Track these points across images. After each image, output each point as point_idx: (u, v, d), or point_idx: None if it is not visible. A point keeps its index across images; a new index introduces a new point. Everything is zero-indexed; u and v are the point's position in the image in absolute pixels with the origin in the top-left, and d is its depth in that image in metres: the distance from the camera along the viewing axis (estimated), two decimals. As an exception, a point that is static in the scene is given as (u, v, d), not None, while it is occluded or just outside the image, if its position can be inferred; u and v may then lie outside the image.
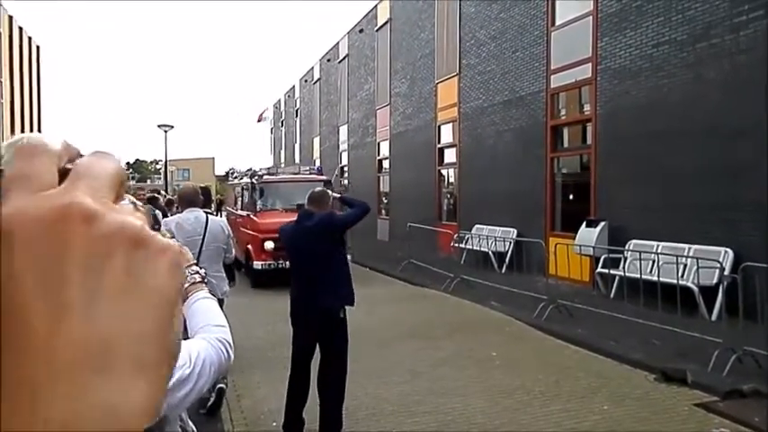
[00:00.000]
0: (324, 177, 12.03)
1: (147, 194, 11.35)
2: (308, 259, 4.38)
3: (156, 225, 8.16)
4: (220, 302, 5.28)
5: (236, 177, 14.60)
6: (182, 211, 5.19)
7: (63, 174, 0.35)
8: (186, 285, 1.53)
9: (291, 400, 4.38)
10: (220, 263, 5.19)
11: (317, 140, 28.22)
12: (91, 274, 0.30)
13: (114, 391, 0.29)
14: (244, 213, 12.18)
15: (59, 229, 0.30)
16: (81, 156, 0.38)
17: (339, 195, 5.15)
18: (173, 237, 4.87)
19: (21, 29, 30.76)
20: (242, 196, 12.62)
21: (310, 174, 12.50)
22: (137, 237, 0.32)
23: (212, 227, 5.02)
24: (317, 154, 28.25)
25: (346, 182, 13.61)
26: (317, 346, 4.41)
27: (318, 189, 4.86)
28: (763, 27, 7.09)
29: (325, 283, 4.30)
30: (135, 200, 0.37)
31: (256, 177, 11.76)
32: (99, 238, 0.30)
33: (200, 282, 1.57)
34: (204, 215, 5.13)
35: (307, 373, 4.41)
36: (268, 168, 13.08)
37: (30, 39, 32.76)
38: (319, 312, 4.30)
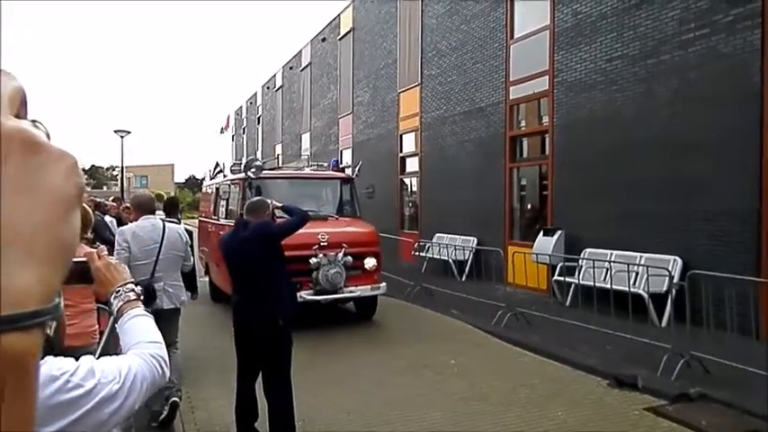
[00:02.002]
0: (343, 174, 9.72)
1: (88, 200, 9.46)
2: (245, 269, 4.34)
3: (106, 231, 7.96)
4: (177, 312, 5.19)
5: (219, 173, 10.77)
6: (137, 219, 5.07)
7: None
8: (120, 304, 1.50)
9: (241, 414, 4.31)
10: (178, 271, 5.09)
11: (279, 147, 28.00)
12: None
13: (7, 275, 0.32)
14: (229, 222, 8.60)
15: None
16: None
17: (280, 204, 5.11)
18: (128, 246, 4.77)
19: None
20: (227, 200, 9.21)
21: (326, 170, 9.86)
22: (32, 142, 0.36)
23: (170, 234, 4.93)
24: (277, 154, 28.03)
25: (371, 189, 11.09)
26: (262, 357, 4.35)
27: (256, 198, 4.87)
28: (710, 44, 7.41)
29: (264, 293, 4.26)
30: (38, 121, 0.40)
31: (253, 171, 8.34)
32: None
33: (135, 299, 1.54)
34: (161, 222, 5.02)
35: (252, 386, 4.35)
36: (260, 161, 9.13)
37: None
38: (260, 323, 4.25)
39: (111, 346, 4.33)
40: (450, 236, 12.78)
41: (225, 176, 10.11)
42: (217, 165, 11.13)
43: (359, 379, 5.91)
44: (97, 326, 3.82)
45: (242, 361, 4.40)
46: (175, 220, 7.34)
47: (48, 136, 0.39)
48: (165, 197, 9.75)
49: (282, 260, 4.47)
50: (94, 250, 1.57)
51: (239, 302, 4.42)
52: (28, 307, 0.33)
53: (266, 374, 4.31)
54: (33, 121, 0.39)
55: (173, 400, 4.93)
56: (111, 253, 5.72)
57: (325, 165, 10.30)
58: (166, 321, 4.95)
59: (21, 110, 0.39)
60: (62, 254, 0.36)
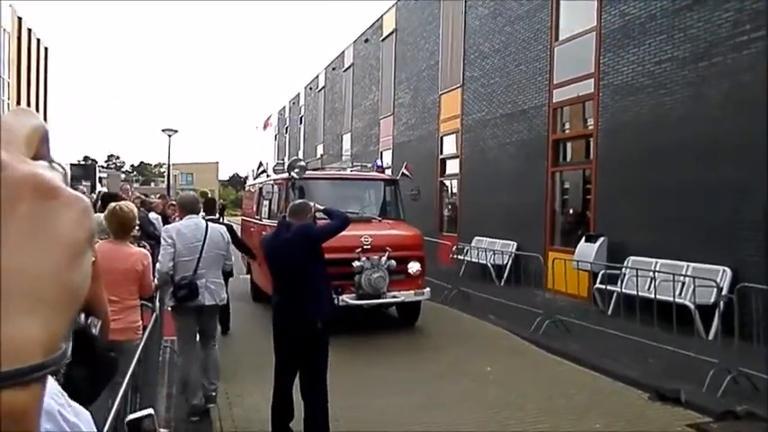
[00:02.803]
0: (387, 176, 9.78)
1: (135, 198, 9.30)
2: (286, 271, 4.41)
3: (150, 227, 8.19)
4: (218, 309, 5.33)
5: (262, 173, 10.78)
6: (182, 219, 5.24)
7: None
8: None
9: (276, 414, 4.38)
10: (220, 270, 5.24)
11: (320, 148, 28.29)
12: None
13: (9, 325, 0.32)
14: (272, 222, 8.41)
15: None
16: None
17: (323, 208, 5.15)
18: (173, 242, 4.94)
19: (30, 30, 31.02)
20: (270, 200, 9.05)
21: (369, 170, 9.84)
22: (45, 187, 0.36)
23: (212, 234, 5.08)
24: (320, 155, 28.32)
25: (416, 191, 10.48)
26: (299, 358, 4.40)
27: (299, 201, 4.93)
28: (764, 47, 7.11)
29: (304, 294, 4.31)
30: (54, 161, 0.41)
31: (297, 171, 8.34)
32: (6, 183, 0.34)
33: None
34: (204, 222, 5.18)
35: (289, 386, 4.41)
36: (303, 161, 9.13)
37: (38, 40, 33.02)
38: (299, 324, 4.30)
39: (155, 342, 4.47)
40: (489, 239, 12.65)
41: (268, 176, 10.15)
42: (260, 164, 11.18)
43: (394, 383, 5.91)
44: (140, 321, 3.96)
45: (280, 361, 4.47)
46: (214, 218, 7.59)
47: (65, 177, 0.39)
48: (209, 196, 10.03)
49: (323, 263, 4.52)
50: None
51: (279, 303, 4.49)
52: (31, 360, 0.32)
53: (303, 375, 4.36)
54: (51, 162, 0.39)
55: (209, 394, 5.08)
56: (155, 248, 5.98)
57: (369, 165, 10.18)
58: (208, 317, 5.11)
59: (41, 148, 0.39)
60: (70, 301, 0.35)
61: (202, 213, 7.21)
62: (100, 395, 1.91)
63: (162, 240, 5.03)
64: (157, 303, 4.47)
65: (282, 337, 4.44)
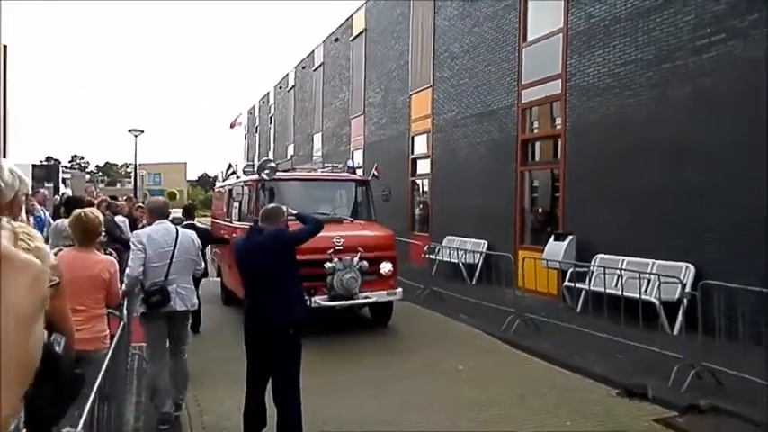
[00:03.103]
0: (358, 176, 9.85)
1: (101, 201, 9.04)
2: (258, 275, 4.38)
3: (117, 231, 8.03)
4: (189, 314, 5.24)
5: (231, 174, 10.74)
6: (151, 223, 5.15)
7: None
8: None
9: (249, 420, 4.34)
10: (191, 275, 5.18)
11: (290, 147, 28.08)
12: None
13: None
14: (243, 225, 8.50)
15: None
16: None
17: (295, 212, 5.12)
18: (144, 248, 4.85)
19: (-13, 27, 30.03)
20: (240, 201, 8.92)
21: (340, 171, 9.82)
22: None
23: (183, 239, 5.02)
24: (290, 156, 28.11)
25: (387, 192, 10.34)
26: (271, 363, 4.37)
27: (272, 205, 4.90)
28: (725, 51, 7.33)
29: (275, 299, 4.28)
30: (4, 219, 0.40)
31: (267, 172, 8.22)
32: None
33: None
34: (174, 227, 5.10)
35: (262, 392, 4.38)
36: (273, 162, 8.95)
37: (-4, 37, 31.95)
38: (270, 329, 4.27)
39: (123, 350, 4.37)
40: (460, 239, 12.75)
41: (237, 178, 10.03)
42: (230, 166, 11.10)
43: (367, 383, 5.92)
44: (108, 330, 3.87)
45: (251, 366, 4.43)
46: (191, 222, 7.77)
47: (14, 235, 0.38)
48: (177, 197, 10.26)
49: (296, 267, 4.50)
50: None
51: (250, 307, 4.45)
52: None
53: (275, 380, 4.33)
54: None
55: (178, 402, 5.01)
56: (122, 253, 5.86)
57: (340, 166, 10.13)
58: (179, 323, 5.03)
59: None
60: (22, 374, 0.35)
61: (181, 217, 7.22)
62: (65, 414, 1.86)
63: (132, 245, 4.94)
64: (125, 311, 4.37)
65: (254, 341, 4.40)
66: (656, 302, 7.34)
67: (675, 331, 7.12)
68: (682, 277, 6.94)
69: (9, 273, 0.33)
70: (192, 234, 5.25)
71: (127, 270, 4.71)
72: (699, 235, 7.64)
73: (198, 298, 5.51)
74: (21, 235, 1.00)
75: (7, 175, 1.84)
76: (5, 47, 33.82)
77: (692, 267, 7.50)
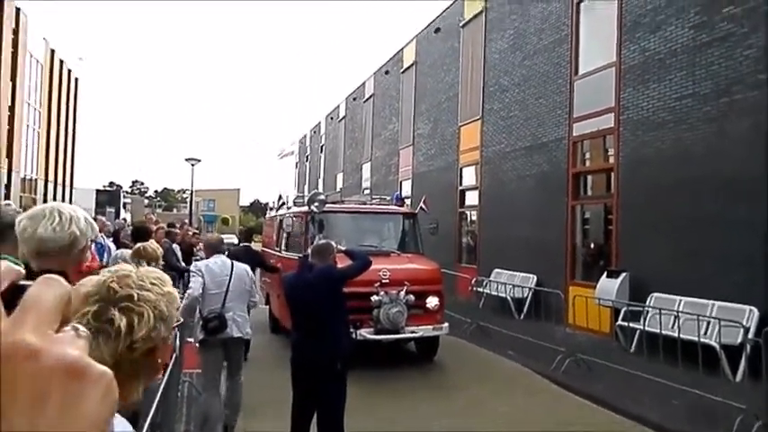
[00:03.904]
0: (405, 209, 9.85)
1: (158, 228, 9.11)
2: (307, 311, 4.45)
3: (173, 258, 8.37)
4: (243, 341, 5.43)
5: (282, 205, 10.87)
6: (208, 257, 5.49)
7: (5, 294, 0.43)
8: None
9: None
10: (245, 305, 5.43)
11: (340, 177, 28.54)
12: (34, 405, 0.37)
13: None
14: (291, 255, 8.68)
15: (7, 367, 0.37)
16: (21, 276, 0.48)
17: (344, 249, 5.22)
18: (203, 274, 5.11)
19: (61, 62, 32.08)
20: (290, 233, 8.99)
21: (388, 203, 9.85)
22: (73, 368, 0.39)
23: (238, 270, 5.34)
24: (339, 188, 28.54)
25: (434, 225, 10.35)
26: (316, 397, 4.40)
27: (322, 241, 4.99)
28: (788, 85, 7.07)
29: (323, 335, 4.34)
30: (77, 326, 0.45)
31: (316, 205, 8.22)
32: (40, 373, 0.38)
33: None
34: (229, 261, 5.44)
35: (306, 426, 4.40)
36: (323, 195, 8.96)
37: (69, 71, 34.08)
38: (317, 364, 4.31)
39: (174, 378, 4.49)
40: (508, 272, 12.56)
41: (288, 208, 10.20)
42: (280, 197, 11.35)
43: (411, 421, 5.84)
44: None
45: (297, 399, 4.48)
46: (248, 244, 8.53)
47: (88, 339, 0.43)
48: (230, 223, 10.59)
49: (343, 303, 4.57)
50: None
51: (298, 342, 4.52)
52: None
53: (320, 415, 4.36)
54: (76, 330, 0.43)
55: (231, 424, 5.18)
56: (175, 279, 6.21)
57: (388, 198, 10.18)
58: (234, 349, 5.25)
59: (67, 311, 0.43)
60: None
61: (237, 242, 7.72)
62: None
63: (192, 273, 5.34)
64: (177, 341, 4.51)
65: (300, 375, 4.45)
66: (717, 346, 6.98)
67: (738, 378, 6.75)
68: (744, 321, 6.61)
69: (86, 385, 0.38)
70: (247, 267, 5.51)
71: (188, 291, 5.07)
72: (761, 275, 7.27)
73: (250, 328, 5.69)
74: (153, 280, 1.06)
75: (83, 224, 1.97)
76: (77, 80, 36.07)
77: (755, 310, 7.12)
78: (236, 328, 5.11)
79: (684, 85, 8.63)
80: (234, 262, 5.40)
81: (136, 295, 1.03)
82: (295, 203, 9.75)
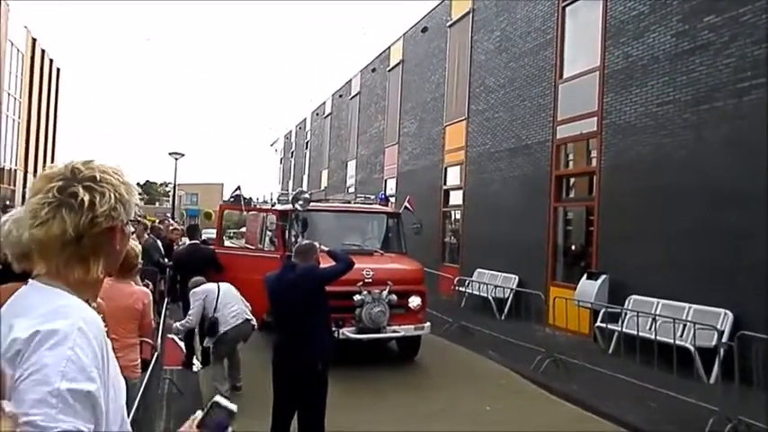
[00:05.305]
0: (389, 209, 9.78)
1: (140, 226, 8.68)
2: (289, 312, 4.46)
3: (157, 254, 8.35)
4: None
5: (265, 203, 10.82)
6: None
7: None
8: None
9: None
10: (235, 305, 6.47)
11: (325, 173, 28.48)
12: None
13: None
14: (274, 255, 8.52)
15: None
16: None
17: (327, 249, 5.23)
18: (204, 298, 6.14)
19: (43, 51, 31.52)
20: (273, 230, 8.80)
21: (373, 202, 9.85)
22: None
23: (224, 288, 6.54)
24: (324, 186, 28.48)
25: (418, 224, 10.01)
26: (298, 398, 4.41)
27: (306, 242, 4.99)
28: (765, 94, 7.21)
29: (305, 336, 4.35)
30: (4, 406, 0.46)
31: (300, 203, 8.12)
32: None
33: None
34: (216, 286, 6.53)
35: (287, 426, 4.41)
36: (307, 193, 8.92)
37: (51, 61, 33.51)
38: (299, 365, 4.33)
39: (155, 376, 4.47)
40: (491, 272, 12.66)
41: (273, 206, 10.01)
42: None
43: (392, 422, 5.87)
44: (139, 360, 3.98)
45: (278, 400, 4.48)
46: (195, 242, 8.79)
47: (15, 419, 0.44)
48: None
49: (325, 304, 4.58)
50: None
51: (280, 343, 4.52)
52: None
53: (301, 415, 4.37)
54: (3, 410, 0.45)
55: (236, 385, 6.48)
56: (155, 274, 6.88)
57: (372, 197, 10.14)
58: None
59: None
60: None
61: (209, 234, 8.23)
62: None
63: (191, 300, 6.42)
64: (159, 339, 4.50)
65: (282, 376, 4.46)
66: (692, 349, 7.12)
67: (712, 380, 6.90)
68: (719, 325, 6.76)
69: None
70: (232, 288, 6.57)
71: (186, 321, 6.36)
72: (736, 280, 7.42)
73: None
74: (115, 169, 1.21)
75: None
76: (59, 70, 35.48)
77: (729, 314, 7.27)
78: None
79: (666, 91, 8.76)
80: (220, 285, 6.49)
81: (98, 176, 1.15)
82: (279, 201, 9.67)
